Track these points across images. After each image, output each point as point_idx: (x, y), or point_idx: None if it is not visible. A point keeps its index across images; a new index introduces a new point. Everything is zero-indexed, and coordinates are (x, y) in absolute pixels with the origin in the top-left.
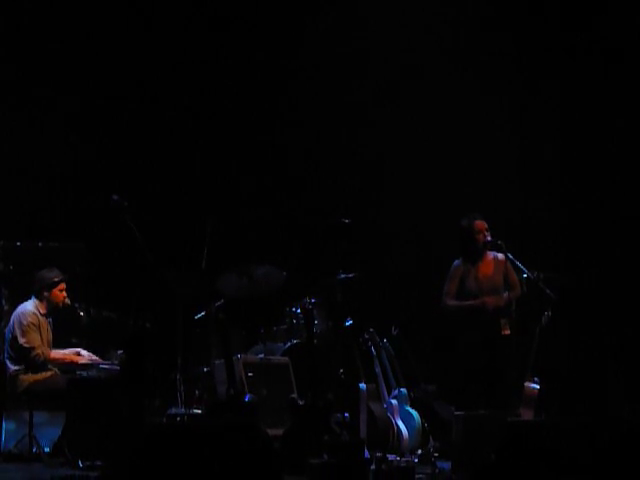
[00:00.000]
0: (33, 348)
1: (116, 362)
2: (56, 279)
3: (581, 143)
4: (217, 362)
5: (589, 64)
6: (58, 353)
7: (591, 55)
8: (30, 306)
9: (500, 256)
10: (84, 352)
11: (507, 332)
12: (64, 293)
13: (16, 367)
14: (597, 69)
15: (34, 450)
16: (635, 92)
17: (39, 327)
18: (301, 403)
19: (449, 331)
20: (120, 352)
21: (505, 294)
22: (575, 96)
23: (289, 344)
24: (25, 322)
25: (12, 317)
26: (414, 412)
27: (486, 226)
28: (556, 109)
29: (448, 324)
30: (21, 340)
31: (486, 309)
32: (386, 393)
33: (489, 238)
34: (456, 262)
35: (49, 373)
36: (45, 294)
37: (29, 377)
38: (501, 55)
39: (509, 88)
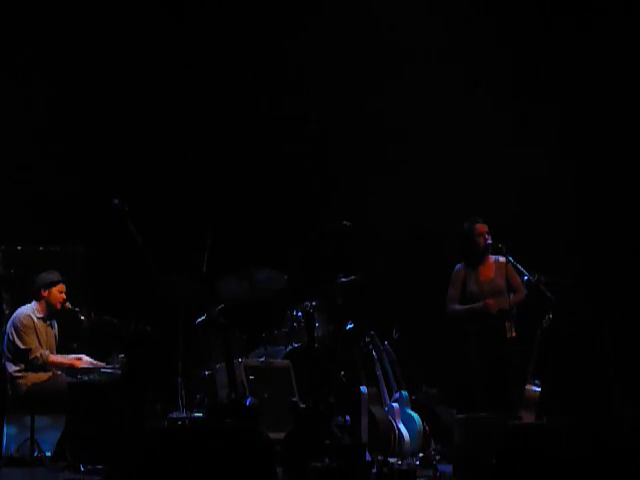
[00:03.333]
0: (30, 350)
1: (117, 366)
2: (55, 279)
3: (582, 144)
4: (218, 366)
5: (589, 66)
6: (58, 357)
7: (592, 58)
8: (26, 309)
9: (501, 259)
10: (86, 358)
11: (513, 335)
12: (63, 295)
13: (15, 367)
14: (597, 72)
15: (35, 454)
16: (635, 96)
17: (35, 330)
18: (302, 406)
19: (453, 334)
20: (121, 356)
21: (511, 297)
22: (574, 100)
23: (290, 347)
24: (20, 325)
25: (9, 321)
26: (415, 415)
27: (487, 229)
28: (557, 111)
29: (453, 328)
30: (18, 343)
31: (489, 311)
32: (387, 396)
33: (490, 241)
34: (457, 266)
35: (48, 374)
36: (44, 294)
37: (29, 380)
38: (501, 58)
39: (509, 90)
